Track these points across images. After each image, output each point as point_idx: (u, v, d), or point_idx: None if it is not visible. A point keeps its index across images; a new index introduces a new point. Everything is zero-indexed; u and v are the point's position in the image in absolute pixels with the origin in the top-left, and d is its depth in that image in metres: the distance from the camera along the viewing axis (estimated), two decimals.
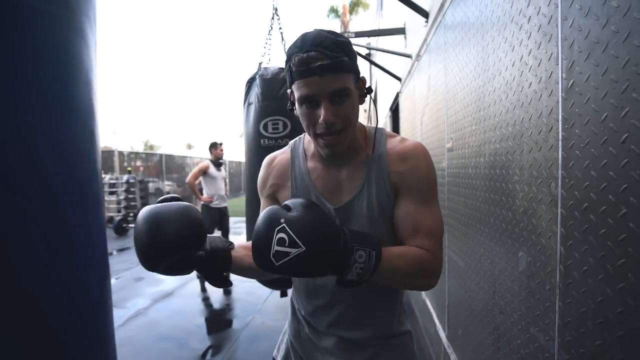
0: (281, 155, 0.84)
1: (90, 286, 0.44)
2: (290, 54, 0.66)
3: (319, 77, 0.62)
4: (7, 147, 0.35)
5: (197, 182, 3.91)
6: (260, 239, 0.58)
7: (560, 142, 0.74)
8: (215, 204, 3.87)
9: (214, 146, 4.04)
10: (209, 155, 4.09)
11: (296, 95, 0.66)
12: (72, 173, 0.40)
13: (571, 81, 0.69)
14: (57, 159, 0.38)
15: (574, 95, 0.68)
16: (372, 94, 0.73)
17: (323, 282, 0.78)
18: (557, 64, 0.73)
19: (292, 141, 0.86)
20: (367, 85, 0.72)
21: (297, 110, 0.69)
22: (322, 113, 0.64)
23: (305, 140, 0.82)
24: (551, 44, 0.76)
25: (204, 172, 3.88)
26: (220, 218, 3.94)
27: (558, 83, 0.73)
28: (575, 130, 0.68)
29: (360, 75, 0.70)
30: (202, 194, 3.88)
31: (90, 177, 0.43)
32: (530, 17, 0.84)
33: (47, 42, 0.38)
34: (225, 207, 4.02)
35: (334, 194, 0.76)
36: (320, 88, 0.63)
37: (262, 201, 0.87)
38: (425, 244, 0.70)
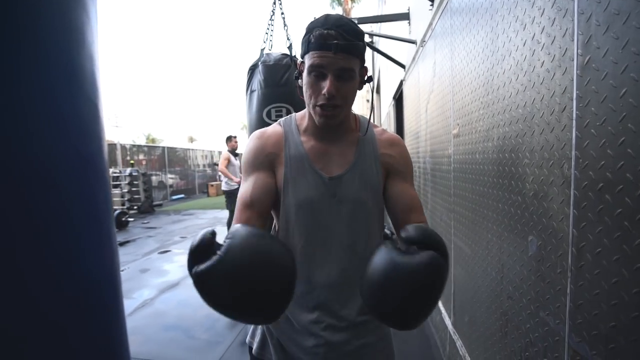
0: (272, 128, 0.84)
1: (98, 263, 0.42)
2: (311, 27, 0.72)
3: (333, 53, 0.69)
4: (8, 121, 0.33)
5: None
6: None
7: (574, 122, 0.72)
8: (229, 186, 4.67)
9: (229, 139, 4.88)
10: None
11: (307, 63, 0.72)
12: (77, 148, 0.38)
13: (587, 57, 0.66)
14: (61, 133, 0.36)
15: (590, 72, 0.66)
16: (374, 84, 0.80)
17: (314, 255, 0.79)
18: (573, 40, 0.71)
19: (281, 119, 0.87)
20: (368, 75, 0.79)
21: (304, 78, 0.74)
22: (326, 85, 0.70)
23: (297, 117, 0.85)
24: (566, 19, 0.73)
25: (228, 160, 4.69)
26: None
27: (573, 60, 0.71)
28: (591, 109, 0.66)
29: (364, 64, 0.77)
30: (217, 181, 4.57)
31: (95, 153, 0.41)
32: None
33: (50, 14, 0.36)
34: None
35: (326, 166, 0.80)
36: (331, 62, 0.69)
37: (255, 176, 0.78)
38: (422, 218, 0.82)
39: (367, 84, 0.81)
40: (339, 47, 0.69)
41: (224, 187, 4.79)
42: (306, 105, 0.78)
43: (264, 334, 0.89)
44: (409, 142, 3.46)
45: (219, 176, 4.97)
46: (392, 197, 0.82)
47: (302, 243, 0.79)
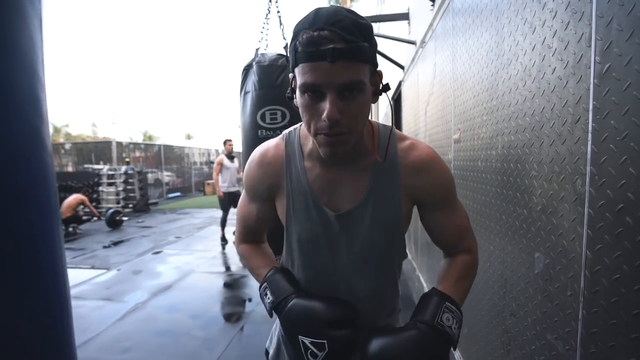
0: (275, 149, 0.72)
1: (40, 307, 0.36)
2: (298, 30, 0.54)
3: (330, 64, 0.51)
4: None
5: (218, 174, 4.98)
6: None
7: (589, 135, 0.66)
8: (225, 188, 4.93)
9: (224, 143, 5.12)
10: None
11: (298, 81, 0.55)
12: (8, 180, 0.31)
13: (607, 65, 0.61)
14: None
15: (609, 81, 0.60)
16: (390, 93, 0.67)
17: (330, 275, 0.72)
18: (589, 46, 0.65)
19: (287, 132, 0.74)
20: (383, 83, 0.61)
21: (297, 99, 0.58)
22: (326, 107, 0.53)
23: (302, 133, 0.72)
24: (582, 23, 0.67)
25: (221, 165, 4.90)
26: (233, 199, 4.94)
27: (589, 68, 0.65)
28: (610, 122, 0.60)
29: (377, 69, 0.59)
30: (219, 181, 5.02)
31: (35, 184, 0.34)
32: None
33: None
34: (237, 191, 5.02)
35: (333, 200, 0.67)
36: (329, 77, 0.52)
37: (256, 204, 0.76)
38: (468, 244, 0.73)
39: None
40: (338, 53, 0.50)
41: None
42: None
43: (279, 341, 0.82)
44: None
45: None
46: (434, 229, 0.73)
47: (306, 279, 0.73)
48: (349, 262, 0.70)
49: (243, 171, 0.80)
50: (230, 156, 5.03)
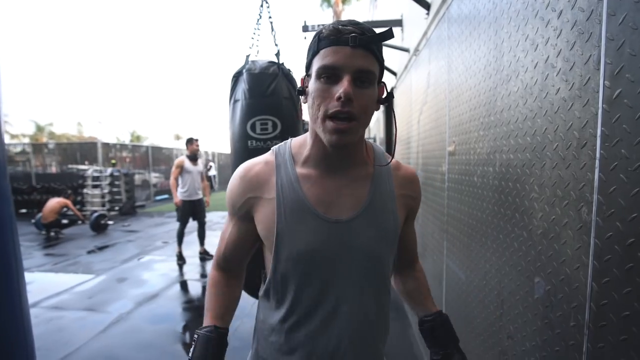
0: (260, 164, 0.70)
1: None
2: (321, 29, 0.60)
3: (350, 48, 0.56)
4: None
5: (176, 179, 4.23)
6: None
7: (597, 162, 0.63)
8: (186, 195, 4.20)
9: (189, 142, 4.30)
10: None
11: (316, 66, 0.59)
12: None
13: (617, 90, 0.58)
14: None
15: (620, 108, 0.57)
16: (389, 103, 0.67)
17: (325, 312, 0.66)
18: (598, 69, 0.62)
19: (276, 146, 0.73)
20: (387, 91, 0.66)
21: (311, 87, 0.60)
22: (342, 87, 0.56)
23: (294, 145, 0.71)
24: (590, 45, 0.64)
25: (181, 168, 4.17)
26: (194, 210, 4.30)
27: (597, 92, 0.62)
28: (621, 150, 0.57)
29: (382, 79, 0.64)
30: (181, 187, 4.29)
31: None
32: (561, 11, 0.73)
33: None
34: (200, 200, 4.35)
35: (330, 208, 0.65)
36: (349, 60, 0.56)
37: (233, 222, 0.72)
38: (416, 256, 0.83)
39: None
40: (358, 40, 0.56)
41: (179, 197, 4.19)
42: (312, 123, 0.63)
43: None
44: (399, 148, 3.38)
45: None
46: (407, 240, 0.76)
47: (301, 303, 0.66)
48: (351, 278, 0.65)
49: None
50: (194, 157, 4.27)
